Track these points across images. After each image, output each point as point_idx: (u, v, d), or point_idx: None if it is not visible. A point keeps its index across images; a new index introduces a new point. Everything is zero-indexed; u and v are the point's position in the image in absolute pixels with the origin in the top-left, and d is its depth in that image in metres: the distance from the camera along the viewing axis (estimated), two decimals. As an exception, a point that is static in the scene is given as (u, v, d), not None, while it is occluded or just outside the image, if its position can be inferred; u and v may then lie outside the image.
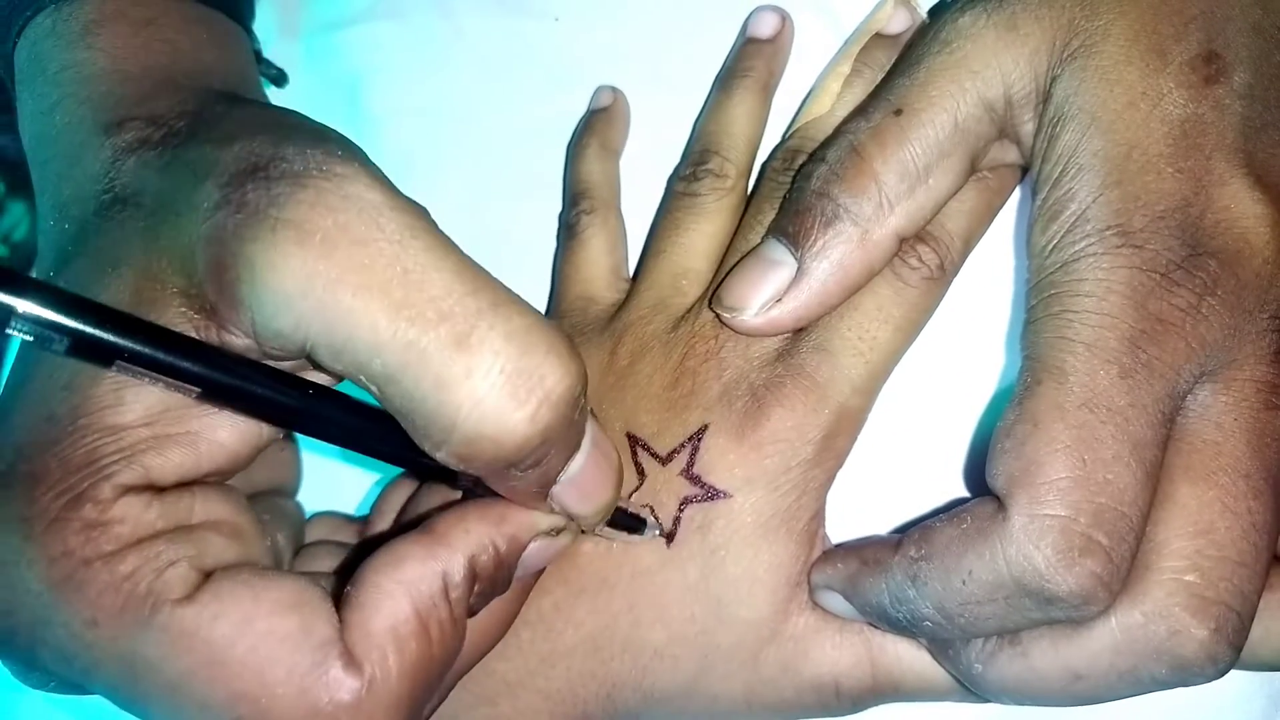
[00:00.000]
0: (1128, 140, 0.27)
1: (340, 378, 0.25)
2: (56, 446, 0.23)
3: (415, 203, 0.23)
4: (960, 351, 0.35)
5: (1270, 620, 0.28)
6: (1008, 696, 0.28)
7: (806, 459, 0.31)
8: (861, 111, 0.32)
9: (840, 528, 0.33)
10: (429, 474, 0.29)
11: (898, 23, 0.35)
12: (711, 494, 0.31)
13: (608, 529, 0.30)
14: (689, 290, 0.35)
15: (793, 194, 0.32)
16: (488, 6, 0.41)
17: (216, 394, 0.23)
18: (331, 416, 0.25)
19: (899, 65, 0.32)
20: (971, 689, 0.29)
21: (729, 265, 0.33)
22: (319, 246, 0.22)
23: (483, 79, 0.41)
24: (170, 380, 0.23)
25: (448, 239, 0.23)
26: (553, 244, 0.39)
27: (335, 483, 0.38)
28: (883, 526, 0.34)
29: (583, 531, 0.29)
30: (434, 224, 0.23)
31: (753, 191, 0.36)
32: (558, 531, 0.28)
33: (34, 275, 0.24)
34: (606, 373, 0.34)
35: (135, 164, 0.26)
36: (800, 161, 0.33)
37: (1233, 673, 0.26)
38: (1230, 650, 0.25)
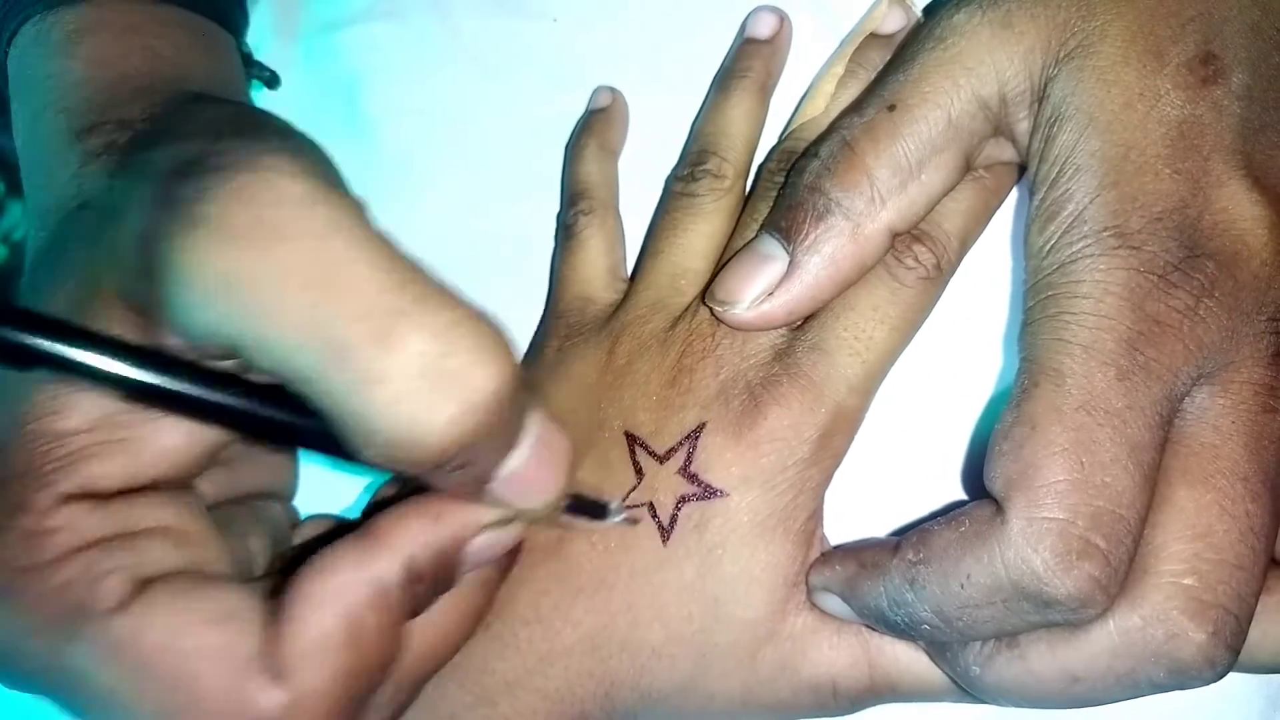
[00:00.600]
0: (1125, 141, 0.27)
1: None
2: None
3: (350, 196, 0.22)
4: (957, 353, 0.35)
5: (1267, 623, 0.28)
6: (1005, 699, 0.28)
7: (803, 458, 0.31)
8: (855, 108, 0.32)
9: (838, 529, 0.33)
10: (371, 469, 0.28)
11: (892, 22, 0.35)
12: (708, 492, 0.31)
13: (567, 517, 0.29)
14: (687, 290, 0.35)
15: (786, 189, 0.32)
16: (486, 7, 0.41)
17: (138, 394, 0.23)
18: (260, 414, 0.24)
19: (894, 62, 0.32)
20: (969, 691, 0.29)
21: None
22: (236, 242, 0.21)
23: (481, 79, 0.41)
24: (90, 380, 0.22)
25: (378, 232, 0.22)
26: (551, 244, 0.39)
27: (332, 486, 0.38)
28: (881, 528, 0.34)
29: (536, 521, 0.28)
30: (365, 217, 0.22)
31: (749, 192, 0.36)
32: (507, 522, 0.27)
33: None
34: (604, 372, 0.34)
35: (98, 169, 0.26)
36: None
37: (1230, 674, 0.26)
38: (1228, 653, 0.25)
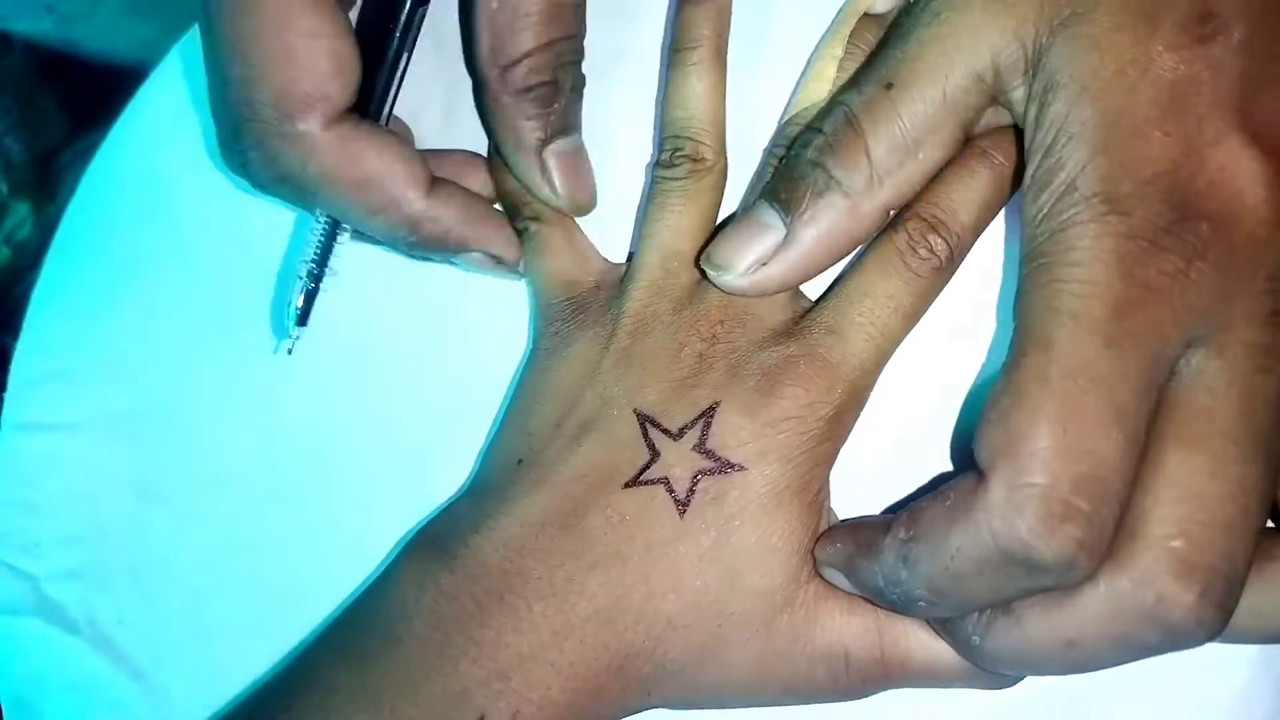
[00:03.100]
0: (1116, 107, 0.27)
1: None
2: None
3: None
4: (955, 329, 0.35)
5: (1262, 589, 0.27)
6: (1006, 667, 0.29)
7: (818, 434, 0.32)
8: (854, 84, 0.32)
9: (841, 508, 0.34)
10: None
11: (883, 1, 0.35)
12: (726, 466, 0.32)
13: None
14: (680, 272, 0.35)
15: (788, 161, 0.33)
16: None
17: None
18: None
19: (890, 37, 0.32)
20: (971, 662, 0.30)
21: None
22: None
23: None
24: None
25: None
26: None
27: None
28: (878, 503, 0.35)
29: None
30: None
31: (754, 176, 0.37)
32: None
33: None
34: (606, 354, 0.35)
35: None
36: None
37: (1244, 667, 0.26)
38: (1218, 614, 0.25)
